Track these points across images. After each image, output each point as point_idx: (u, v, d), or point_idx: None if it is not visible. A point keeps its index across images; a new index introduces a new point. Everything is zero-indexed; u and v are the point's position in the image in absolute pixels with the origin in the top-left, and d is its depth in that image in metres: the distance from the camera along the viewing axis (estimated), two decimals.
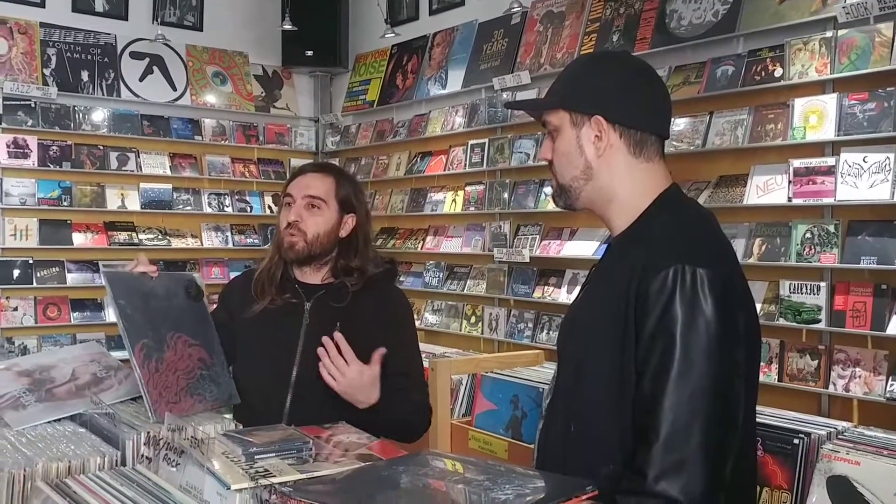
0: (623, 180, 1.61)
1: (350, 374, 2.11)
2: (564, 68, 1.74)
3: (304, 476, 1.37)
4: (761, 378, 3.65)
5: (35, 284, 5.63)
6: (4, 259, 5.57)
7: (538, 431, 1.74)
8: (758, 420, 2.52)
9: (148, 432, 1.69)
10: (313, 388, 2.17)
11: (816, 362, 3.59)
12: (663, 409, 1.39)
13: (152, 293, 2.13)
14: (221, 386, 2.16)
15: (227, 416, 2.06)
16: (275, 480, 1.33)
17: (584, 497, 1.24)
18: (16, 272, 5.58)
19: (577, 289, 1.83)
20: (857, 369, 3.46)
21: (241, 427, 1.85)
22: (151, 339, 2.03)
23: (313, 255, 2.34)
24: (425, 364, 3.78)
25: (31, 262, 5.64)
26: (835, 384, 3.52)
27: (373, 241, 2.50)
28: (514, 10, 5.17)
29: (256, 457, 1.45)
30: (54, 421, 1.88)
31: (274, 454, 1.47)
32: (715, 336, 1.41)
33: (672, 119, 4.36)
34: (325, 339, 2.13)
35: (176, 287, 2.23)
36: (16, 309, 5.59)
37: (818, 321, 3.57)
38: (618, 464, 1.46)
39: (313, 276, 2.39)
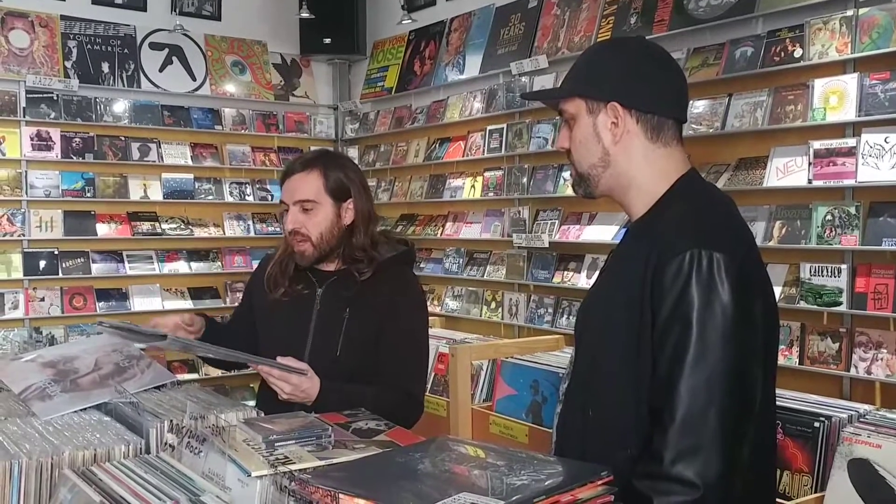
0: (641, 166, 1.62)
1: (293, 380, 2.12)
2: (579, 56, 1.73)
3: (322, 463, 1.39)
4: (782, 361, 3.67)
5: (61, 275, 5.70)
6: (31, 250, 5.64)
7: (556, 416, 1.76)
8: (778, 403, 2.53)
9: (171, 420, 1.72)
10: (328, 372, 2.20)
11: (838, 345, 3.57)
12: (679, 393, 1.41)
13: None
14: None
15: (249, 403, 2.09)
16: (294, 467, 1.36)
17: (599, 482, 1.26)
18: (42, 263, 5.66)
19: (597, 274, 1.83)
20: (880, 352, 3.44)
21: (261, 414, 1.88)
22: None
23: (324, 253, 2.35)
24: (445, 350, 3.82)
25: (56, 252, 5.71)
26: (856, 367, 3.50)
27: (380, 222, 2.47)
28: None
29: (276, 444, 1.48)
30: (80, 410, 1.92)
31: (294, 441, 1.49)
32: (731, 320, 1.42)
33: (690, 102, 4.32)
34: (259, 368, 2.14)
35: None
36: (42, 299, 5.66)
37: (839, 304, 3.54)
38: (635, 448, 1.48)
39: (327, 264, 2.41)
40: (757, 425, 1.48)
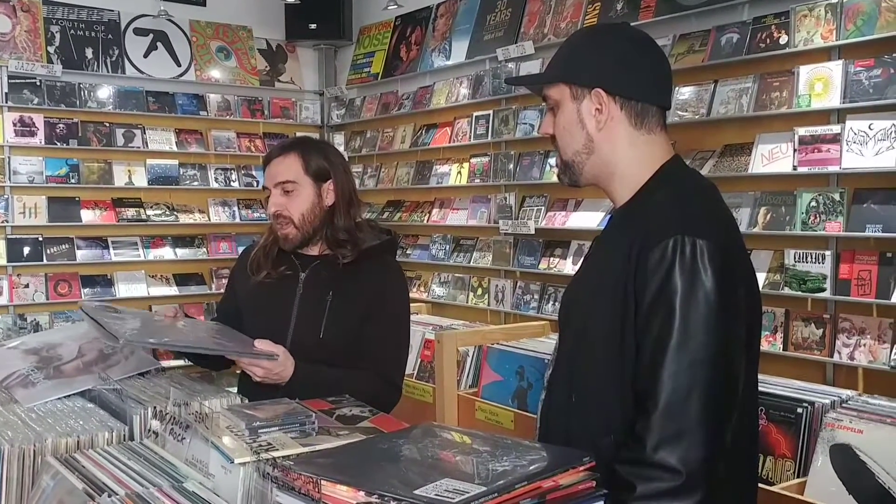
0: (625, 152, 1.61)
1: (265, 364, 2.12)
2: (563, 42, 1.73)
3: (306, 450, 1.39)
4: (766, 347, 3.69)
5: (45, 261, 5.67)
6: (15, 237, 5.61)
7: (540, 402, 1.76)
8: (762, 389, 2.55)
9: (155, 407, 1.72)
10: (311, 354, 2.22)
11: (821, 331, 3.60)
12: (662, 378, 1.41)
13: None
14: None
15: (232, 389, 2.09)
16: (277, 454, 1.36)
17: (582, 469, 1.26)
18: (26, 249, 5.63)
19: (581, 260, 1.83)
20: (863, 338, 3.47)
21: (244, 399, 1.88)
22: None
23: (307, 235, 2.36)
24: (431, 336, 3.82)
25: (40, 239, 5.68)
26: (840, 353, 3.52)
27: (366, 209, 2.48)
28: None
29: (260, 431, 1.47)
30: (63, 397, 1.91)
31: (277, 428, 1.49)
32: (714, 307, 1.42)
33: (676, 88, 4.31)
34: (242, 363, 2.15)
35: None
36: (27, 286, 5.63)
37: (823, 290, 3.57)
38: (619, 433, 1.48)
39: (310, 248, 2.41)
40: (740, 411, 1.49)
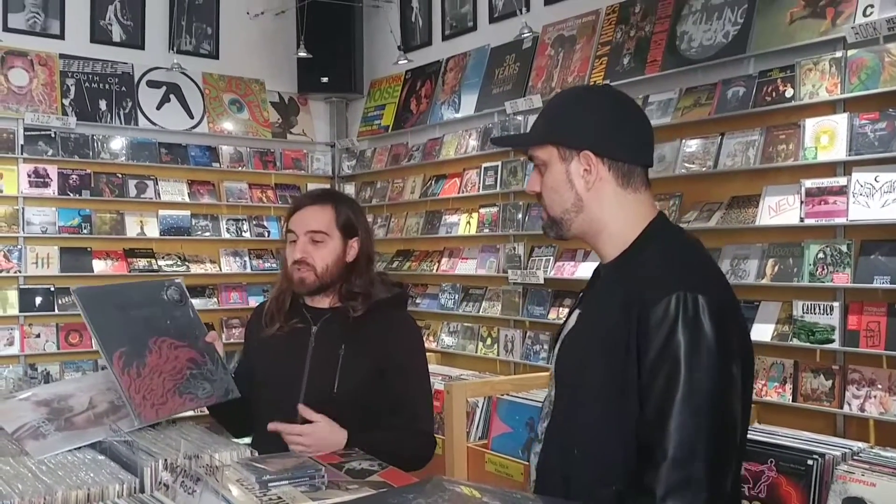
0: (613, 211, 1.65)
1: (316, 431, 2.13)
2: (548, 103, 1.78)
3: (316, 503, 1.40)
4: (775, 398, 3.68)
5: (56, 311, 5.70)
6: (27, 287, 5.65)
7: (535, 455, 1.76)
8: (772, 440, 2.54)
9: (165, 459, 1.72)
10: (325, 408, 2.21)
11: (831, 382, 3.58)
12: (669, 430, 1.44)
13: (130, 303, 2.19)
14: (216, 383, 2.22)
15: (243, 442, 2.09)
16: None
17: None
18: (38, 299, 5.66)
19: (569, 313, 1.85)
20: (873, 389, 3.45)
21: (256, 453, 1.88)
22: (130, 346, 2.09)
23: (324, 285, 2.37)
24: (440, 387, 3.82)
25: (52, 289, 5.71)
26: (850, 404, 3.50)
27: (377, 259, 2.51)
28: (525, 34, 5.22)
29: (270, 484, 1.48)
30: (74, 449, 1.92)
31: (287, 482, 1.50)
32: (716, 360, 1.47)
33: (683, 141, 4.34)
34: (272, 426, 2.15)
35: (157, 293, 2.29)
36: (38, 336, 5.66)
37: (832, 341, 3.56)
38: (620, 484, 1.50)
39: (321, 300, 2.43)
40: (737, 458, 1.55)
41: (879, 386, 3.43)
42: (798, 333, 3.66)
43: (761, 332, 3.82)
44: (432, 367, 4.74)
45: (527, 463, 3.00)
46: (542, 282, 4.93)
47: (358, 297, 2.37)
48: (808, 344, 3.63)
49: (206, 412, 2.41)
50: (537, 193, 1.72)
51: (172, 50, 6.24)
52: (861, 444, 2.57)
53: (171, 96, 6.33)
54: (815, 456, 2.41)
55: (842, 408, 3.53)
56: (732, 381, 1.50)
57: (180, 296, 2.31)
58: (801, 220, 3.68)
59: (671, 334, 1.46)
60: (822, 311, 3.61)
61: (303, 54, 6.27)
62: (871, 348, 3.44)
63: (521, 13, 5.27)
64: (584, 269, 4.67)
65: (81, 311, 2.09)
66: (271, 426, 2.13)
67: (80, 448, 1.92)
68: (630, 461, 1.49)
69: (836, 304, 3.59)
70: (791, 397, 3.69)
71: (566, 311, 4.79)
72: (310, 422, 2.15)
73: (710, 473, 1.44)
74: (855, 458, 2.46)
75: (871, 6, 3.58)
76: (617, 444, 1.52)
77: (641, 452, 1.48)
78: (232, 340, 6.02)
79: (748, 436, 2.67)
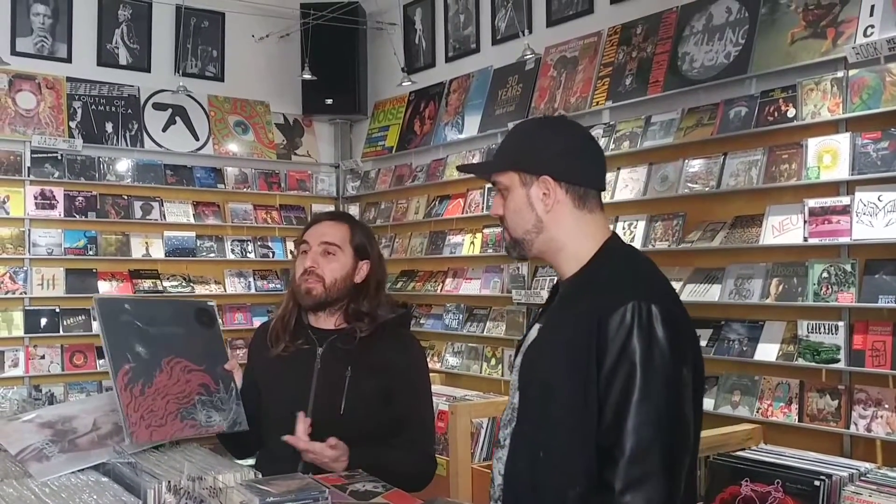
0: (571, 231, 1.79)
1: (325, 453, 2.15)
2: (508, 133, 1.95)
3: None
4: (781, 419, 3.67)
5: (62, 333, 5.71)
6: (32, 308, 5.67)
7: (498, 461, 1.84)
8: (779, 461, 2.54)
9: (169, 481, 1.72)
10: (327, 432, 2.20)
11: (837, 402, 3.57)
12: (627, 429, 1.56)
13: (153, 319, 2.18)
14: (225, 412, 2.20)
15: (246, 463, 2.09)
16: None
17: None
18: (43, 321, 5.67)
19: (530, 327, 1.95)
20: (879, 409, 3.44)
21: (259, 474, 1.88)
22: (140, 363, 2.08)
23: (329, 300, 2.38)
24: (444, 408, 3.82)
25: (57, 310, 5.73)
26: (856, 424, 3.49)
27: (386, 286, 2.53)
28: (528, 56, 5.25)
29: None
30: (77, 471, 1.92)
31: (290, 503, 1.49)
32: (669, 363, 1.60)
33: (686, 161, 4.37)
34: (287, 438, 2.18)
35: (186, 313, 2.29)
36: (43, 357, 5.67)
37: (837, 361, 3.55)
38: (583, 486, 1.62)
39: (327, 321, 2.43)
40: (691, 457, 1.66)
41: (886, 406, 3.42)
42: (803, 353, 3.66)
43: (766, 351, 3.81)
44: (436, 388, 4.75)
45: None
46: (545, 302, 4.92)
47: (364, 319, 2.39)
48: (813, 364, 3.62)
49: (211, 436, 2.40)
50: (500, 217, 1.86)
51: (178, 73, 6.29)
52: (868, 465, 2.57)
53: (177, 118, 6.37)
54: (822, 477, 2.41)
55: (848, 428, 3.51)
56: (684, 384, 1.62)
57: (209, 319, 2.31)
58: (805, 239, 3.68)
59: (627, 340, 1.58)
60: (827, 331, 3.60)
61: (307, 76, 6.32)
62: (877, 368, 3.43)
63: (524, 35, 5.31)
64: None
65: (98, 319, 2.10)
66: (285, 438, 2.15)
67: (83, 470, 1.93)
68: (591, 463, 1.60)
69: (841, 323, 3.58)
70: (797, 417, 3.67)
71: None
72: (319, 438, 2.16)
73: (666, 470, 1.56)
74: (862, 478, 2.46)
75: (872, 26, 3.60)
76: (579, 446, 1.62)
77: (601, 453, 1.59)
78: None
79: (754, 456, 2.68)
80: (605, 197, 4.54)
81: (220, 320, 2.37)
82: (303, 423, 2.17)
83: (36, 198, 5.73)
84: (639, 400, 1.56)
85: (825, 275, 3.62)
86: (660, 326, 1.59)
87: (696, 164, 4.19)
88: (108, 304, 2.19)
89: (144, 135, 6.19)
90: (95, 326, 5.78)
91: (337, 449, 2.13)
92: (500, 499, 1.79)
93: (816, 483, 2.41)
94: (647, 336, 1.59)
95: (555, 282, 1.92)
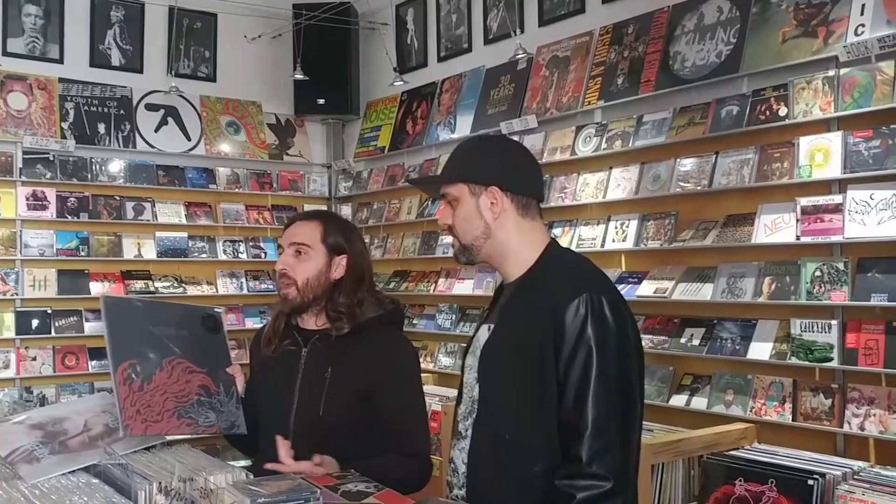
0: (516, 237, 1.95)
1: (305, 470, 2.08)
2: (455, 148, 2.09)
3: None
4: (775, 418, 3.67)
5: (53, 334, 5.69)
6: (23, 309, 5.64)
7: (459, 451, 1.95)
8: (773, 461, 2.54)
9: (160, 482, 1.71)
10: (313, 431, 2.21)
11: (830, 401, 3.57)
12: (588, 405, 1.73)
13: (158, 320, 2.21)
14: (224, 414, 2.22)
15: (238, 464, 2.08)
16: None
17: None
18: (35, 322, 5.65)
19: (480, 325, 2.08)
20: (872, 408, 3.44)
21: (251, 475, 1.87)
22: (140, 360, 2.10)
23: (306, 301, 2.36)
24: (437, 408, 3.80)
25: (49, 311, 5.71)
26: (849, 423, 3.49)
27: (368, 281, 2.48)
28: (520, 56, 5.25)
29: None
30: (68, 473, 1.91)
31: None
32: (619, 346, 1.78)
33: (678, 160, 4.39)
34: (270, 466, 2.07)
35: (193, 318, 2.33)
36: (34, 358, 5.64)
37: (830, 359, 3.56)
38: (545, 463, 1.77)
39: (311, 321, 2.42)
40: (638, 429, 1.84)
41: (879, 404, 3.43)
42: (796, 352, 3.66)
43: (759, 350, 3.81)
44: (430, 388, 4.74)
45: None
46: None
47: (343, 317, 2.36)
48: (806, 362, 3.63)
49: (203, 437, 2.40)
50: (449, 225, 2.01)
51: (171, 73, 6.27)
52: (861, 464, 2.56)
53: (169, 119, 6.35)
54: (815, 476, 2.40)
55: (842, 427, 3.52)
56: (632, 364, 1.81)
57: (215, 325, 2.36)
58: (798, 238, 3.69)
59: (583, 327, 1.75)
60: (820, 330, 3.61)
61: (299, 77, 6.31)
62: (870, 366, 3.44)
63: (516, 34, 5.31)
64: None
65: (103, 315, 2.11)
66: (268, 466, 2.07)
67: (74, 471, 1.92)
68: (554, 442, 1.77)
69: (834, 322, 3.59)
70: (791, 416, 3.68)
71: None
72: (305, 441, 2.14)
73: (622, 441, 1.75)
74: (856, 477, 2.46)
75: (863, 25, 3.61)
76: (541, 430, 1.78)
77: (565, 431, 1.75)
78: None
79: (748, 456, 2.70)
80: (598, 196, 4.59)
81: (224, 328, 2.39)
82: (283, 447, 2.09)
83: (28, 199, 5.70)
84: (597, 377, 1.73)
85: (818, 273, 3.62)
86: (609, 313, 1.78)
87: (687, 164, 4.20)
88: (114, 301, 2.21)
89: (137, 135, 6.17)
90: (87, 328, 5.77)
91: (324, 465, 2.10)
92: (465, 485, 1.91)
93: (810, 482, 2.41)
94: (600, 322, 1.76)
95: (499, 283, 2.08)
